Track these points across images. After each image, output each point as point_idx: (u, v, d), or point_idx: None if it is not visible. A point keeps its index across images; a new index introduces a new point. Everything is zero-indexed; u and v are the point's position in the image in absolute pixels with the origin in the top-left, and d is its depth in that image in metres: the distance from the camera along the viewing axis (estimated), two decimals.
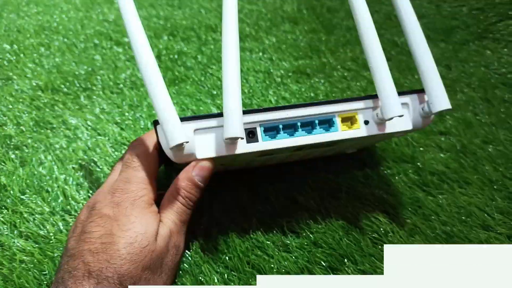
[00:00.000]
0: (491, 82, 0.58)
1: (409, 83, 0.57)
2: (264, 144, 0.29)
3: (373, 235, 0.37)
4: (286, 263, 0.35)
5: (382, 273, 0.34)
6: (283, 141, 0.29)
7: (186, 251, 0.35)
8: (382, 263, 0.35)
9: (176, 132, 0.26)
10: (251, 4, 0.79)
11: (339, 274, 0.34)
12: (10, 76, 0.56)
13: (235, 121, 0.26)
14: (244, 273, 0.34)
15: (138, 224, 0.28)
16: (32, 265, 0.34)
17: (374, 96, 0.30)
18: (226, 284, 0.33)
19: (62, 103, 0.52)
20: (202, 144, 0.28)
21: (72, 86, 0.54)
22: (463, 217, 0.39)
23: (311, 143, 0.29)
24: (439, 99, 0.29)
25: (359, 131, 0.30)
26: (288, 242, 0.36)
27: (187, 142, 0.26)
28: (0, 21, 0.71)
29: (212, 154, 0.28)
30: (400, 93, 0.29)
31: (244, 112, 0.28)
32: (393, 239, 0.36)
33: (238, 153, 0.28)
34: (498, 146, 0.47)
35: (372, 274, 0.34)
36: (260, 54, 0.64)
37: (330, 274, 0.34)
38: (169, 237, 0.30)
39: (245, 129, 0.29)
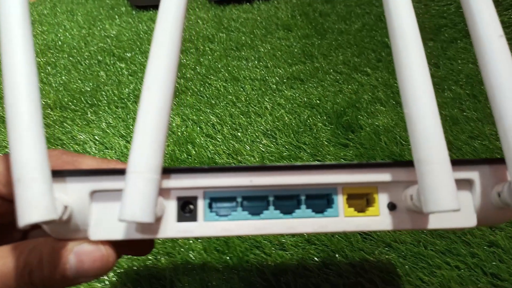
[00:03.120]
0: (478, 78, 0.60)
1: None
2: (207, 227, 0.18)
3: None
4: (282, 260, 0.38)
5: (370, 266, 0.37)
6: (240, 226, 0.18)
7: (190, 252, 0.38)
8: (371, 256, 0.37)
9: (37, 202, 0.14)
10: (246, 12, 0.82)
11: (331, 268, 0.37)
12: None
13: (136, 192, 0.15)
14: (243, 271, 0.37)
15: None
16: None
17: (409, 164, 0.17)
18: (227, 282, 0.36)
19: (71, 119, 0.55)
20: (102, 217, 0.18)
21: (79, 102, 0.58)
22: None
23: (289, 233, 0.18)
24: None
25: (378, 221, 0.18)
26: (284, 240, 0.39)
27: (56, 220, 0.15)
28: None
29: (115, 235, 0.18)
30: (458, 162, 0.18)
31: (173, 171, 0.18)
32: (381, 233, 0.39)
33: (160, 237, 0.18)
34: (483, 141, 0.50)
35: (361, 267, 0.37)
36: (256, 62, 0.67)
37: (323, 268, 0.37)
38: None
39: (178, 198, 0.18)
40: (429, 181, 0.15)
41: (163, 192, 0.18)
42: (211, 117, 0.56)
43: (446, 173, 0.15)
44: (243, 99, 0.59)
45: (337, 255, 0.38)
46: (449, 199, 0.15)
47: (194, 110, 0.57)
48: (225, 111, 0.56)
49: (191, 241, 0.39)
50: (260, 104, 0.58)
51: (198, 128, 0.53)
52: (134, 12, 0.83)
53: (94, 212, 0.18)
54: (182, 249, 0.39)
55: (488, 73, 0.17)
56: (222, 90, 0.60)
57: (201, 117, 0.55)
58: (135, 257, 0.38)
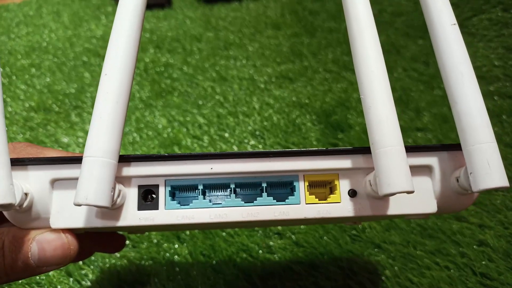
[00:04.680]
0: None
1: None
2: (168, 215, 0.18)
3: (352, 232, 0.39)
4: (269, 263, 0.37)
5: (359, 268, 0.36)
6: (202, 213, 0.18)
7: (176, 256, 0.38)
8: (360, 258, 0.37)
9: None
10: (235, 11, 0.81)
11: (319, 271, 0.36)
12: (3, 99, 0.58)
13: (91, 176, 0.15)
14: (230, 275, 0.36)
15: None
16: None
17: (368, 150, 0.17)
18: (213, 287, 0.35)
19: (54, 122, 0.54)
20: (63, 205, 0.18)
21: (63, 104, 0.57)
22: None
23: (250, 220, 0.18)
24: (489, 167, 0.16)
25: (339, 207, 0.18)
26: (272, 243, 0.38)
27: (13, 204, 0.15)
28: None
29: (76, 223, 0.18)
30: (418, 148, 0.18)
31: (132, 158, 0.18)
32: (370, 234, 0.38)
33: (121, 226, 0.18)
34: None
35: (349, 268, 0.36)
36: (244, 61, 0.66)
37: (311, 271, 0.36)
38: None
39: (139, 186, 0.18)
40: (383, 163, 0.16)
41: (123, 180, 0.18)
42: (198, 118, 0.55)
43: (399, 155, 0.15)
44: (230, 99, 0.58)
45: (325, 257, 0.37)
46: (402, 180, 0.15)
47: (181, 110, 0.56)
48: (212, 112, 0.56)
49: (176, 245, 0.38)
50: (248, 104, 0.57)
51: (185, 129, 0.52)
52: None
53: (55, 200, 0.18)
54: (168, 254, 0.38)
55: (442, 60, 0.17)
56: (209, 90, 0.60)
57: (187, 118, 0.55)
58: (119, 263, 0.37)
